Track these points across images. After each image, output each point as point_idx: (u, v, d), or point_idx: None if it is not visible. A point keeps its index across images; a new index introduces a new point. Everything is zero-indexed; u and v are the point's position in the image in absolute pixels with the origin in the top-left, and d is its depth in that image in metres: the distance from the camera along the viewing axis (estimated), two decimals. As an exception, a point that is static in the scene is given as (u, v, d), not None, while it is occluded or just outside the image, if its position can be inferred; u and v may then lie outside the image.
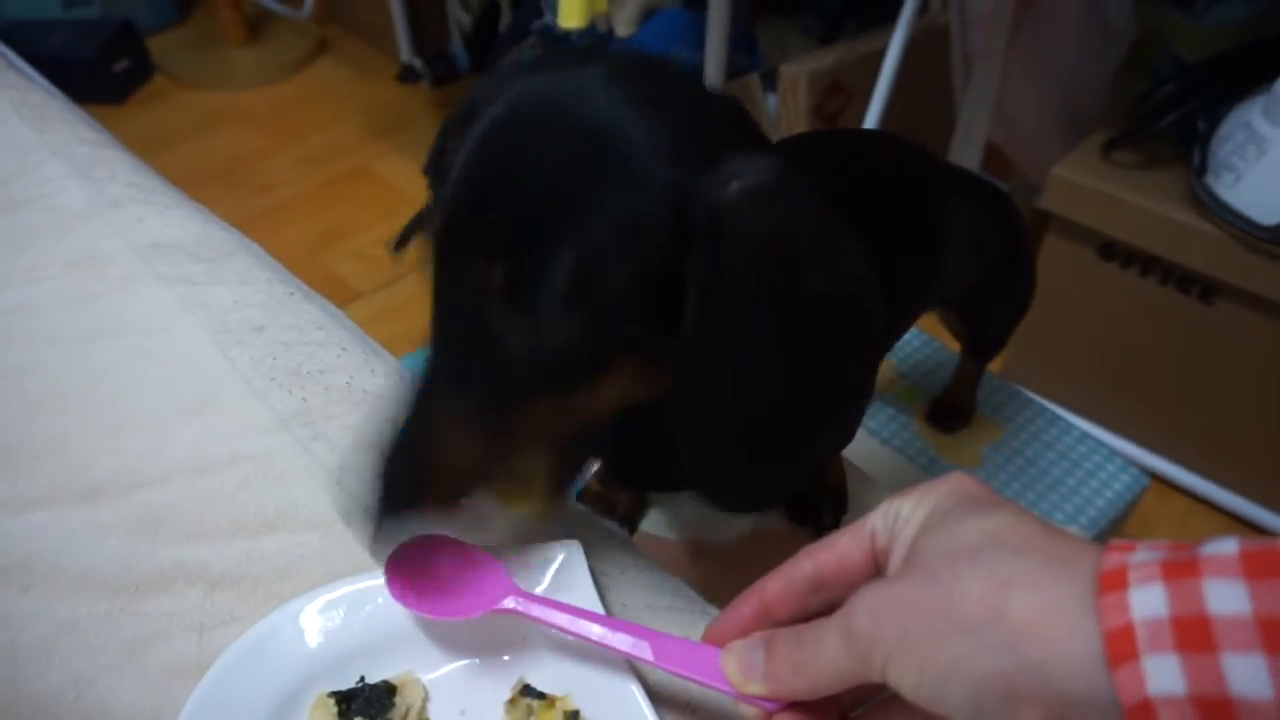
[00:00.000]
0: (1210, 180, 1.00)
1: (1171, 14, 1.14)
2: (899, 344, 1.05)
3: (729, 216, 0.33)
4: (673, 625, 0.42)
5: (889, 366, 1.02)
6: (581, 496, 0.66)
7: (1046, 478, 0.92)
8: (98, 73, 1.84)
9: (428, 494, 0.37)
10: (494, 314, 0.35)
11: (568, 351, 0.35)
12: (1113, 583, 0.22)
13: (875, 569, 0.29)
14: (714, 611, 0.44)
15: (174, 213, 0.65)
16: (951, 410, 0.96)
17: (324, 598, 0.39)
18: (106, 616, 0.42)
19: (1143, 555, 0.22)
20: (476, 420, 0.36)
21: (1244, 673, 0.19)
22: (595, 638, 0.35)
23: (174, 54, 2.01)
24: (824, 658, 0.27)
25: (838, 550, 0.30)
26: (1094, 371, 1.20)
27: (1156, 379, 1.14)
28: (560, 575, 0.40)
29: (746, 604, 0.32)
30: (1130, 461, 0.95)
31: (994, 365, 1.03)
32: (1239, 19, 1.10)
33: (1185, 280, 1.06)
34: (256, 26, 2.06)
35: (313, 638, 0.38)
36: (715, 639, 0.32)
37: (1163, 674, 0.20)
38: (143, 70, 1.96)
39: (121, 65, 1.89)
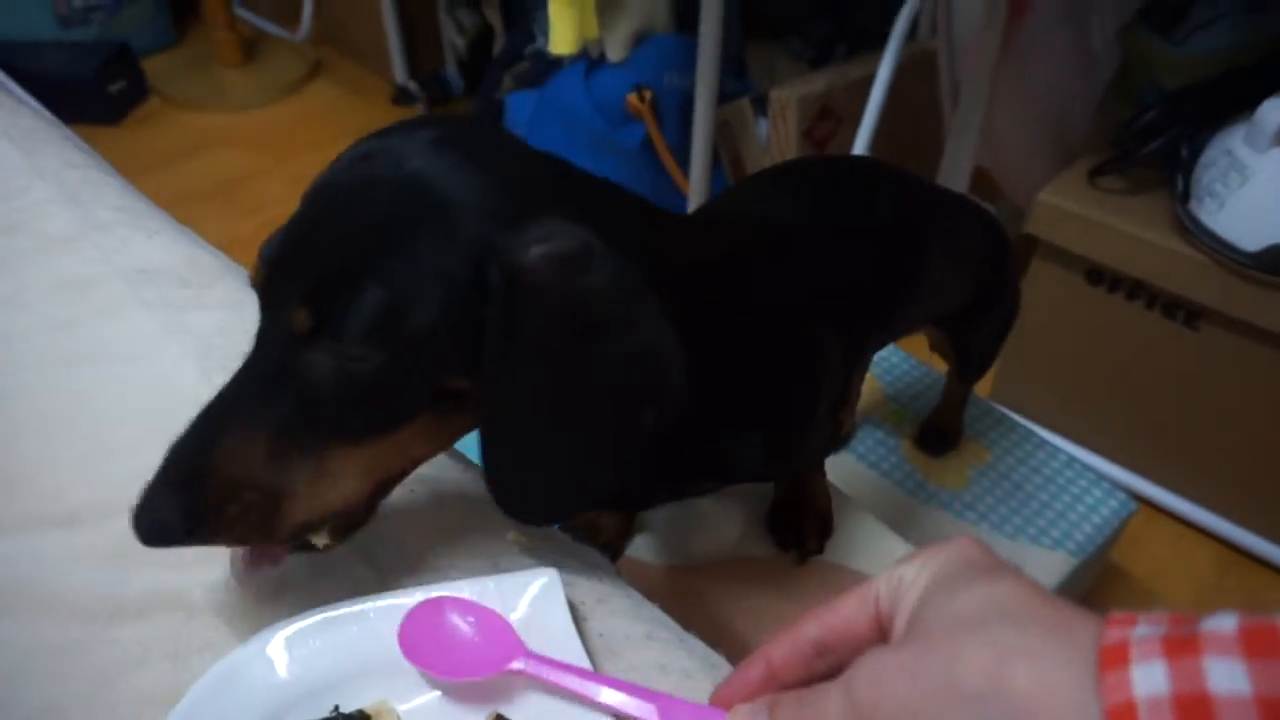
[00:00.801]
0: (1194, 206, 1.01)
1: (1155, 42, 1.15)
2: (887, 368, 1.05)
3: (526, 277, 0.36)
4: (650, 653, 0.42)
5: (877, 389, 1.03)
6: (565, 523, 0.66)
7: (1034, 502, 0.92)
8: (93, 93, 1.85)
9: (201, 519, 0.36)
10: (301, 355, 0.36)
11: (374, 389, 0.37)
12: (1115, 658, 0.22)
13: (879, 633, 0.29)
14: (693, 640, 0.44)
15: (161, 237, 0.65)
16: (939, 433, 0.96)
17: (297, 625, 0.39)
18: (80, 644, 0.42)
19: (1144, 630, 0.23)
20: (275, 444, 0.37)
21: None
22: (601, 700, 0.35)
23: (169, 75, 2.02)
24: None
25: (842, 614, 0.30)
26: (1081, 395, 1.20)
27: (1143, 403, 1.15)
28: (536, 603, 0.40)
29: (753, 668, 0.32)
30: (1118, 486, 0.95)
31: (982, 389, 1.04)
32: (1221, 47, 1.11)
33: (1171, 305, 1.06)
34: (252, 48, 2.08)
35: (286, 667, 0.38)
36: (722, 702, 0.32)
37: None
38: (138, 91, 1.97)
39: (117, 86, 1.90)
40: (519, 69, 1.59)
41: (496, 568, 0.45)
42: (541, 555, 0.46)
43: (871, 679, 0.26)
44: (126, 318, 0.58)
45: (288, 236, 0.38)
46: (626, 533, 0.69)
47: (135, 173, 0.76)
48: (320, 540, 0.40)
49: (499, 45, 1.72)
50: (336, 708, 0.38)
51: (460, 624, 0.39)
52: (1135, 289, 1.08)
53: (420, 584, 0.42)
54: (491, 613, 0.40)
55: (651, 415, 0.40)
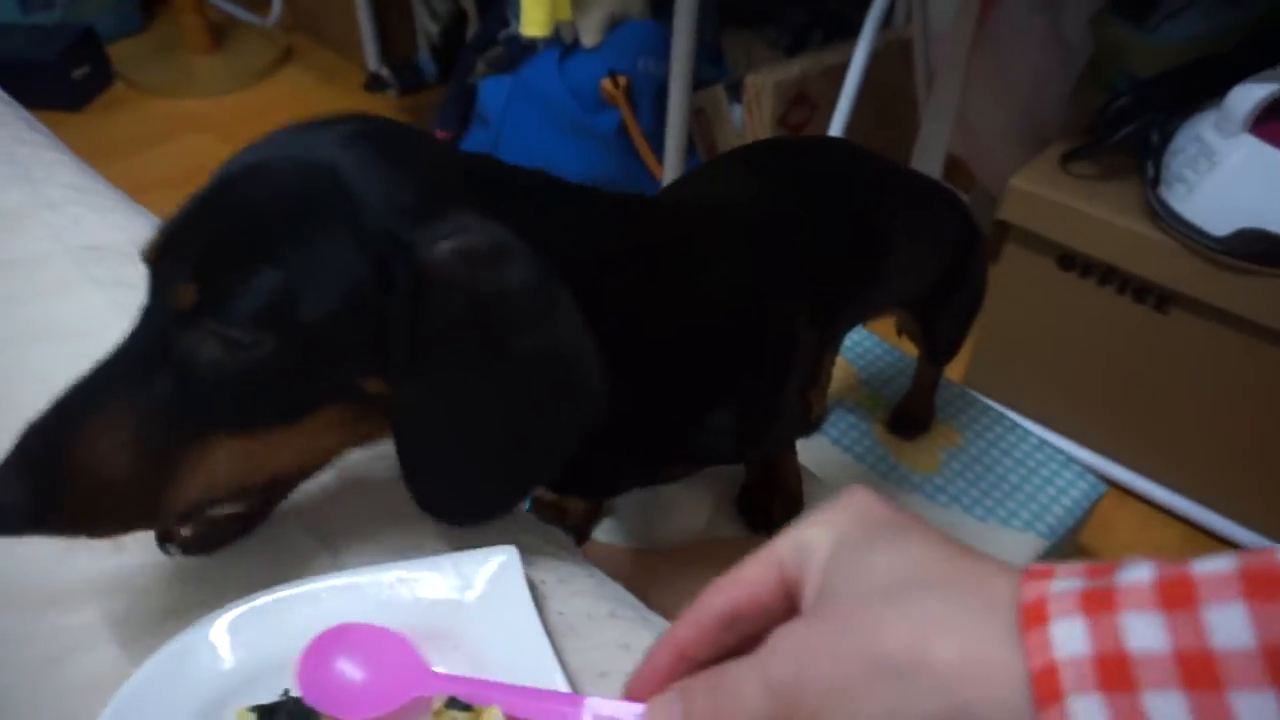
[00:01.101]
0: (1164, 191, 1.01)
1: (1126, 30, 1.16)
2: (860, 352, 1.05)
3: (433, 273, 0.35)
4: (612, 632, 0.41)
5: (849, 373, 1.03)
6: (533, 503, 0.65)
7: (1004, 484, 0.92)
8: (56, 79, 1.81)
9: (54, 506, 0.34)
10: (187, 331, 0.35)
11: (264, 377, 0.35)
12: (1034, 617, 0.22)
13: (787, 599, 0.28)
14: (656, 619, 0.43)
15: (114, 215, 0.64)
16: (910, 417, 0.96)
17: (245, 607, 0.38)
18: (24, 630, 0.40)
19: (1060, 585, 0.22)
20: (145, 429, 0.35)
21: (1164, 710, 0.19)
22: (519, 710, 0.33)
23: (135, 61, 1.98)
24: (744, 706, 0.26)
25: (746, 585, 0.29)
26: (1052, 379, 1.21)
27: (1113, 387, 1.15)
28: (495, 582, 0.39)
29: (661, 652, 0.30)
30: (1087, 469, 0.95)
31: (954, 373, 1.04)
32: (1192, 35, 1.12)
33: (1141, 290, 1.07)
34: (221, 34, 2.04)
35: (232, 650, 0.37)
36: (635, 694, 0.30)
37: (1088, 716, 0.20)
38: (103, 77, 1.93)
39: (81, 71, 1.86)
40: (493, 54, 1.57)
41: (455, 546, 0.44)
42: (502, 534, 0.45)
43: (789, 658, 0.25)
44: (76, 296, 0.57)
45: (187, 210, 0.37)
46: (594, 516, 0.68)
47: (100, 159, 0.74)
48: (186, 532, 0.39)
49: (472, 30, 1.70)
50: (286, 691, 0.36)
51: (351, 660, 0.36)
52: (1106, 274, 1.09)
53: (376, 564, 0.41)
54: (394, 637, 0.37)
55: (569, 416, 0.39)
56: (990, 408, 0.99)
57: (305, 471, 0.40)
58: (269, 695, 0.36)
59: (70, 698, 0.38)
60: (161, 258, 0.36)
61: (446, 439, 0.38)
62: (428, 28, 1.82)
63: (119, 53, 1.98)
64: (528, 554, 0.42)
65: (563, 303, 0.37)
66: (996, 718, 0.22)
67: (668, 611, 0.44)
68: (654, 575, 0.64)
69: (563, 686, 0.36)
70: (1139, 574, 0.21)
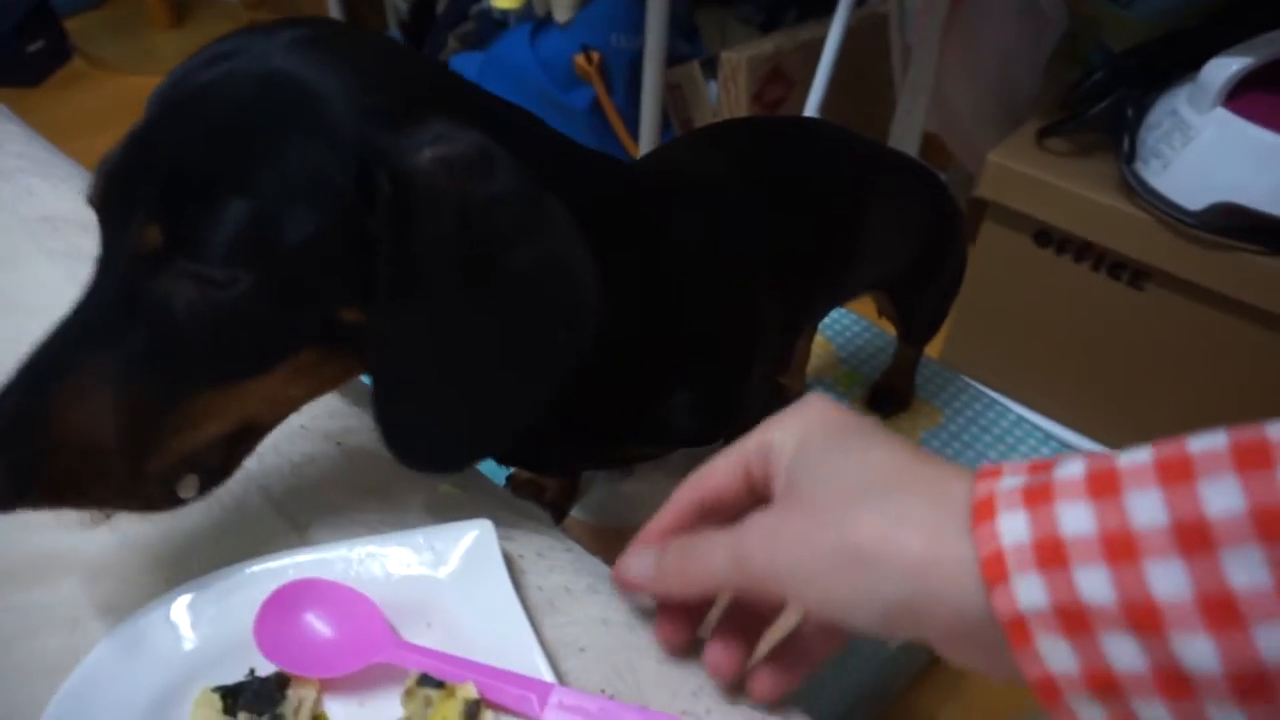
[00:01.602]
0: (1139, 167, 1.01)
1: (1102, 3, 1.16)
2: (839, 330, 1.04)
3: (419, 181, 0.32)
4: (592, 607, 0.40)
5: (829, 351, 1.02)
6: (509, 481, 0.64)
7: (984, 461, 0.92)
8: (9, 53, 1.75)
9: (34, 478, 0.31)
10: (155, 277, 0.31)
11: (244, 319, 0.32)
12: (984, 512, 0.25)
13: (752, 495, 0.32)
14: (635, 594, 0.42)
15: (67, 185, 0.61)
16: (889, 395, 0.96)
17: (207, 585, 0.36)
18: (-30, 611, 0.38)
19: (1008, 482, 0.26)
20: (123, 390, 0.32)
21: (1092, 582, 0.23)
22: (481, 687, 0.32)
23: (94, 36, 1.92)
24: (710, 570, 0.31)
25: (715, 480, 0.33)
26: (1030, 356, 1.21)
27: (1091, 364, 1.16)
28: (470, 556, 0.38)
29: (645, 537, 0.35)
30: (1065, 445, 0.95)
31: (932, 351, 1.03)
32: (1167, 9, 1.12)
33: (1117, 265, 1.07)
34: (183, 8, 1.99)
35: (195, 629, 0.35)
36: (620, 579, 0.35)
37: (1029, 591, 0.23)
38: (60, 52, 1.87)
39: (36, 45, 1.80)
40: (463, 30, 1.55)
41: (428, 521, 0.42)
42: (477, 508, 0.43)
43: (761, 541, 0.29)
44: (29, 268, 0.54)
45: (130, 145, 0.33)
46: (570, 494, 0.66)
47: (58, 137, 0.71)
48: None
49: (442, 4, 1.66)
50: (252, 670, 0.35)
51: (314, 614, 0.35)
52: (1082, 250, 1.09)
53: (345, 539, 0.39)
54: (360, 597, 0.36)
55: (567, 336, 0.36)
56: (969, 386, 0.99)
57: (273, 423, 0.37)
58: (234, 675, 0.35)
59: (20, 679, 0.36)
60: (110, 199, 0.33)
61: (431, 368, 0.35)
62: (396, 3, 1.78)
63: (76, 27, 1.92)
64: (503, 529, 0.40)
65: (557, 212, 0.35)
66: (956, 601, 0.25)
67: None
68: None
69: (541, 663, 0.34)
70: (1072, 469, 0.25)
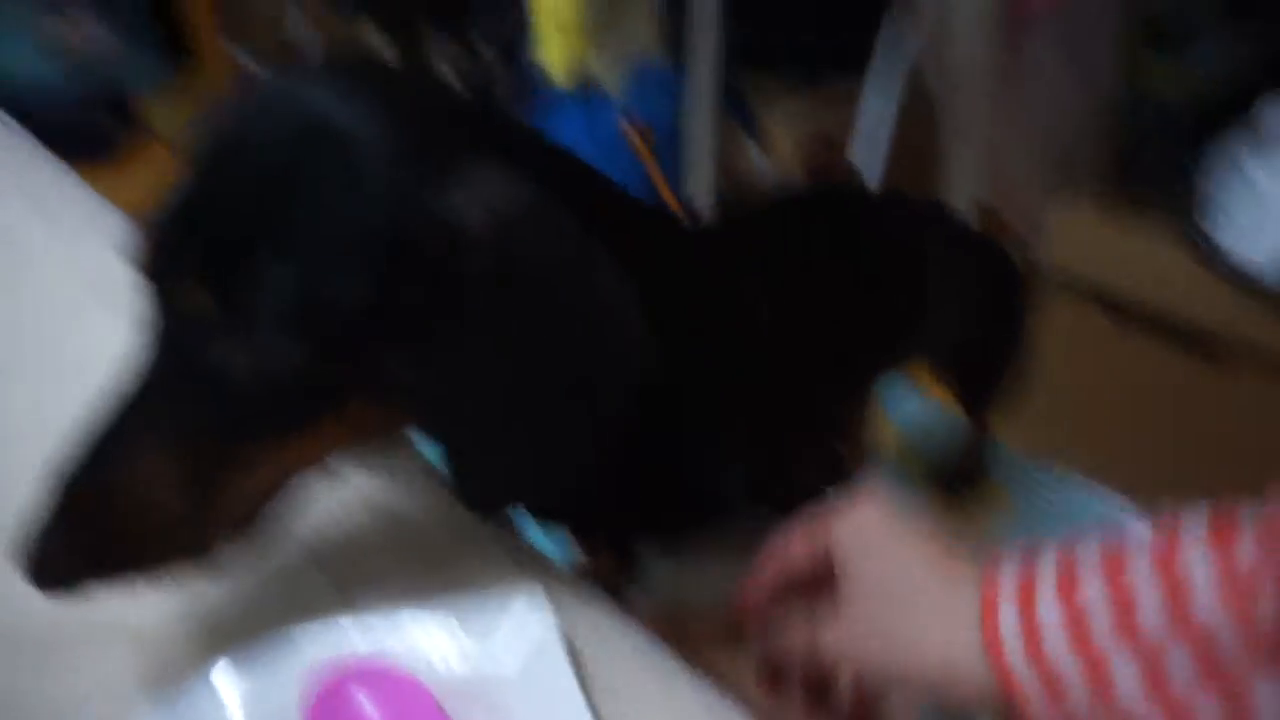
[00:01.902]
0: (1202, 221, 0.98)
1: (1152, 56, 1.14)
2: (902, 407, 1.01)
3: (464, 238, 0.31)
4: (654, 691, 0.37)
5: (890, 428, 0.99)
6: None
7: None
8: (78, 127, 1.83)
9: (109, 560, 0.32)
10: (205, 342, 0.31)
11: (294, 378, 0.31)
12: (990, 607, 0.33)
13: (812, 568, 0.39)
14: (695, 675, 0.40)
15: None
16: (954, 473, 0.92)
17: (249, 653, 0.34)
18: (25, 682, 0.37)
19: (1007, 578, 0.33)
20: (184, 455, 0.32)
21: (1058, 654, 0.31)
22: None
23: (162, 112, 2.00)
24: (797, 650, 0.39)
25: (793, 560, 0.40)
26: (1099, 433, 1.16)
27: (1168, 441, 1.10)
28: (530, 644, 0.35)
29: (750, 596, 0.42)
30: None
31: (1001, 430, 0.99)
32: (1219, 54, 1.10)
33: (1189, 336, 1.02)
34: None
35: (237, 693, 0.34)
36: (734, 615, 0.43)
37: (1017, 662, 0.32)
38: (127, 127, 1.95)
39: (103, 120, 1.88)
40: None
41: (474, 586, 0.40)
42: (526, 569, 0.41)
43: (834, 645, 0.37)
44: (90, 324, 0.54)
45: (175, 203, 0.32)
46: (626, 572, 0.64)
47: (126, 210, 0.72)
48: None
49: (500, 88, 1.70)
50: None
51: (369, 698, 0.33)
52: (1150, 316, 1.05)
53: (389, 601, 0.37)
54: (409, 682, 0.34)
55: (616, 375, 0.36)
56: (1043, 469, 0.95)
57: (315, 469, 0.36)
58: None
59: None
60: (158, 261, 0.32)
61: (487, 414, 0.35)
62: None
63: (146, 103, 2.00)
64: (560, 609, 0.38)
65: (599, 258, 0.34)
66: (972, 671, 0.33)
67: (707, 665, 0.41)
68: (692, 632, 0.60)
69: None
70: (1048, 569, 0.33)
